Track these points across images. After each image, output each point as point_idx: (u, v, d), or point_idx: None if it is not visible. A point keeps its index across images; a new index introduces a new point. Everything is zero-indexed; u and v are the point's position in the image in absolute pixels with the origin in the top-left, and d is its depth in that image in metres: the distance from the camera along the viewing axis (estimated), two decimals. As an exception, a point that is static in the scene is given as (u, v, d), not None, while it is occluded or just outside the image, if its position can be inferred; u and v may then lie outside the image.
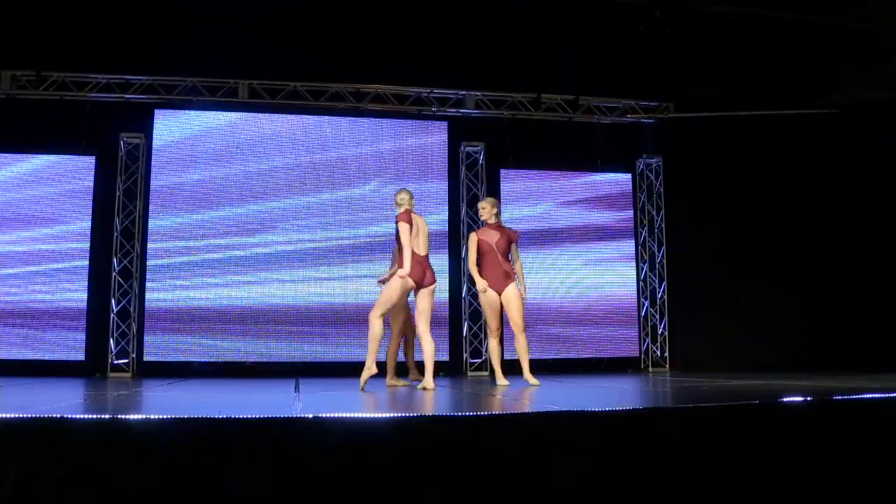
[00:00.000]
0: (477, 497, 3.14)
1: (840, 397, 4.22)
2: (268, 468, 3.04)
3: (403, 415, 3.56)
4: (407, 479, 3.11)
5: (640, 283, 10.51)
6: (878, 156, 10.12)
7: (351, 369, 8.92)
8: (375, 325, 6.02)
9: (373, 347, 5.99)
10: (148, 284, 9.27)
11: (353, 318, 9.33)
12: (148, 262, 9.29)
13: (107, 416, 3.22)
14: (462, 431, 3.33)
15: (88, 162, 9.24)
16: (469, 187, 10.11)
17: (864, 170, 10.29)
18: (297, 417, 3.34)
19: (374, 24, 9.17)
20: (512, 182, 10.21)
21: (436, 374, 6.33)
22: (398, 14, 9.00)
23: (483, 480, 3.16)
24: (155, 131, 9.45)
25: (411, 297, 6.37)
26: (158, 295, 9.26)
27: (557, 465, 3.25)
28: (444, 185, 9.99)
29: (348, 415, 3.27)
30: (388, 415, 3.45)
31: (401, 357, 7.22)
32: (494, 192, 10.08)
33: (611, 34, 9.40)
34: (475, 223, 9.79)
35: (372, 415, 3.34)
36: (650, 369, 10.17)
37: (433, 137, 10.12)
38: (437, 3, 8.99)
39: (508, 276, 6.49)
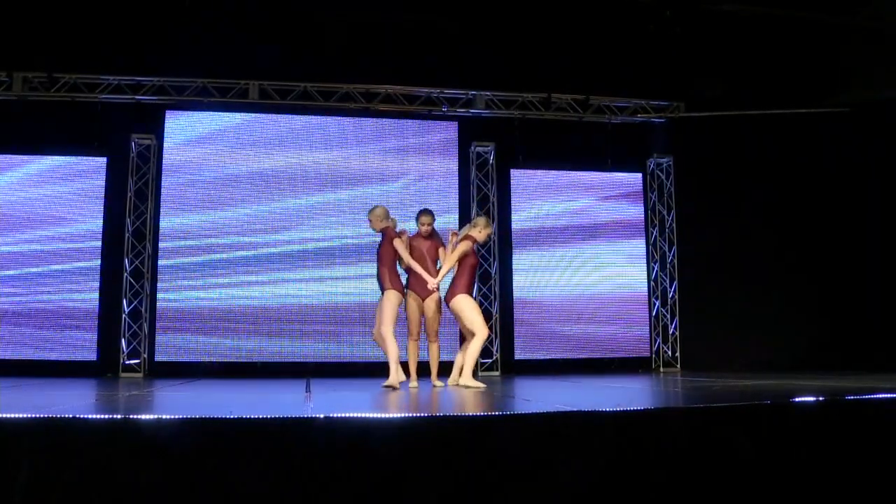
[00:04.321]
0: (483, 497, 3.13)
1: (852, 397, 4.19)
2: (280, 468, 3.04)
3: (409, 415, 3.55)
4: (412, 480, 3.10)
5: (651, 282, 10.47)
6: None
7: (363, 369, 8.96)
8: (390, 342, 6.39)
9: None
10: (159, 285, 9.30)
11: (366, 318, 9.30)
12: (159, 263, 9.33)
13: (118, 417, 3.22)
14: (468, 432, 3.32)
15: (100, 163, 9.29)
16: (479, 187, 10.10)
17: (879, 171, 10.17)
18: (308, 417, 3.33)
19: (384, 26, 9.18)
20: (522, 181, 10.19)
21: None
22: (410, 15, 9.00)
23: (489, 481, 3.16)
24: (166, 132, 9.49)
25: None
26: (170, 295, 9.30)
27: (565, 466, 3.24)
28: (455, 185, 9.97)
29: (355, 414, 3.27)
30: (393, 415, 3.45)
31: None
32: (504, 191, 10.09)
33: (621, 33, 9.37)
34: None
35: (378, 415, 3.33)
36: (661, 369, 10.13)
37: (443, 137, 10.10)
38: (448, 3, 8.99)
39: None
